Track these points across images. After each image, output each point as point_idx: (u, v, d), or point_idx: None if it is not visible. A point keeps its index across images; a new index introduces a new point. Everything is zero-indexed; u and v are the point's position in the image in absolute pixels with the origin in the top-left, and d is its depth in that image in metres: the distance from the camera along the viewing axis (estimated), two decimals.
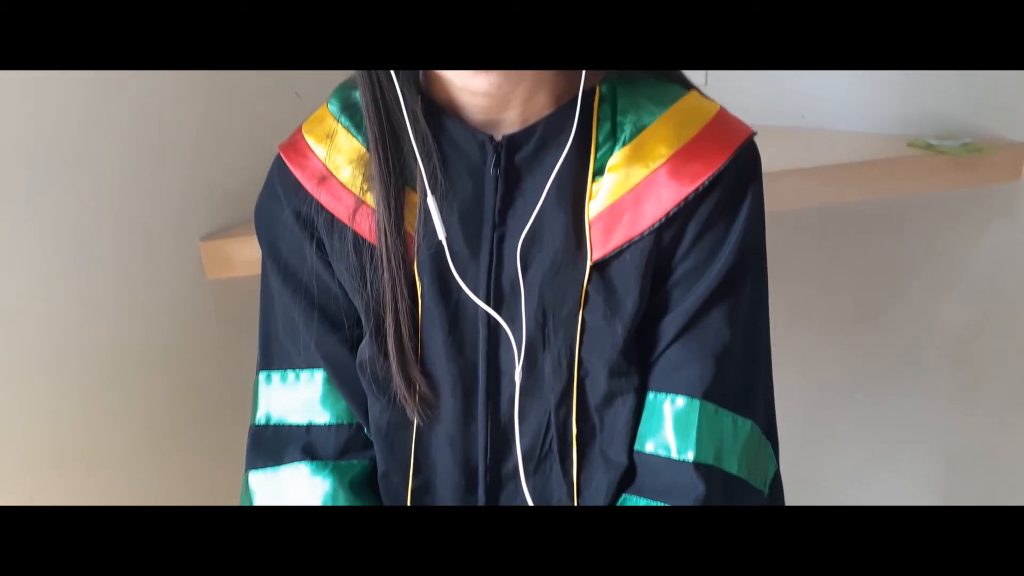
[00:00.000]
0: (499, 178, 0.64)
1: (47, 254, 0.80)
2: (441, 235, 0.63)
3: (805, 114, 1.16)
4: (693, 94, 0.66)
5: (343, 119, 0.67)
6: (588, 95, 0.63)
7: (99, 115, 0.83)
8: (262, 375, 0.71)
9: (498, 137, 0.64)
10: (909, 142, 1.05)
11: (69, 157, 0.81)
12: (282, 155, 0.68)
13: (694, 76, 1.14)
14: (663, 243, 0.63)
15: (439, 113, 0.64)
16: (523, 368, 0.64)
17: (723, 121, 0.65)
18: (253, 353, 0.73)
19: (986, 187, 1.06)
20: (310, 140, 0.68)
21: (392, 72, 0.61)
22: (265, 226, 0.69)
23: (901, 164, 1.02)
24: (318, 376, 0.70)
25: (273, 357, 0.71)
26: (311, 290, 0.68)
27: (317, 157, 0.67)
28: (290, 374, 0.70)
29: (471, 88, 0.58)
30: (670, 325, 0.64)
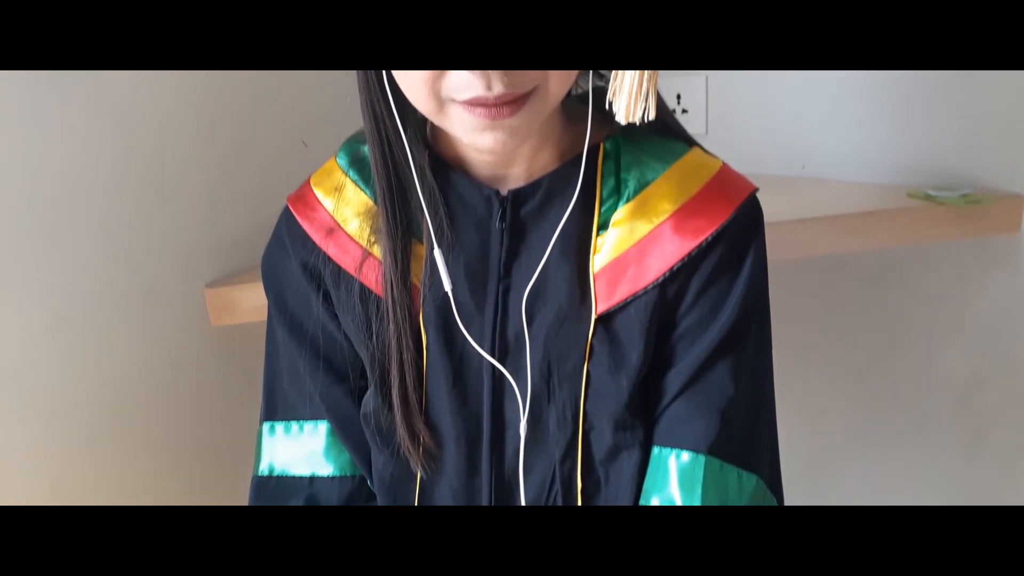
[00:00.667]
0: (505, 231, 0.65)
1: (52, 299, 0.81)
2: (447, 287, 0.63)
3: (805, 164, 1.17)
4: (696, 151, 0.67)
5: (351, 172, 0.68)
6: (592, 151, 0.64)
7: (107, 162, 0.84)
8: (266, 426, 0.71)
9: (504, 191, 0.65)
10: (909, 192, 1.06)
11: (76, 203, 0.82)
12: (290, 207, 0.69)
13: (694, 121, 1.16)
14: (667, 297, 0.64)
15: (446, 167, 0.65)
16: (528, 421, 0.64)
17: (726, 177, 0.66)
18: (257, 401, 0.73)
19: (986, 237, 1.07)
20: (318, 192, 0.68)
21: (400, 126, 0.62)
22: (272, 277, 0.70)
23: (902, 215, 1.02)
24: (322, 428, 0.69)
25: (277, 408, 0.71)
26: (316, 341, 0.68)
27: (325, 209, 0.68)
28: (294, 425, 0.70)
29: (478, 146, 0.59)
30: (675, 379, 0.65)
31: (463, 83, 0.54)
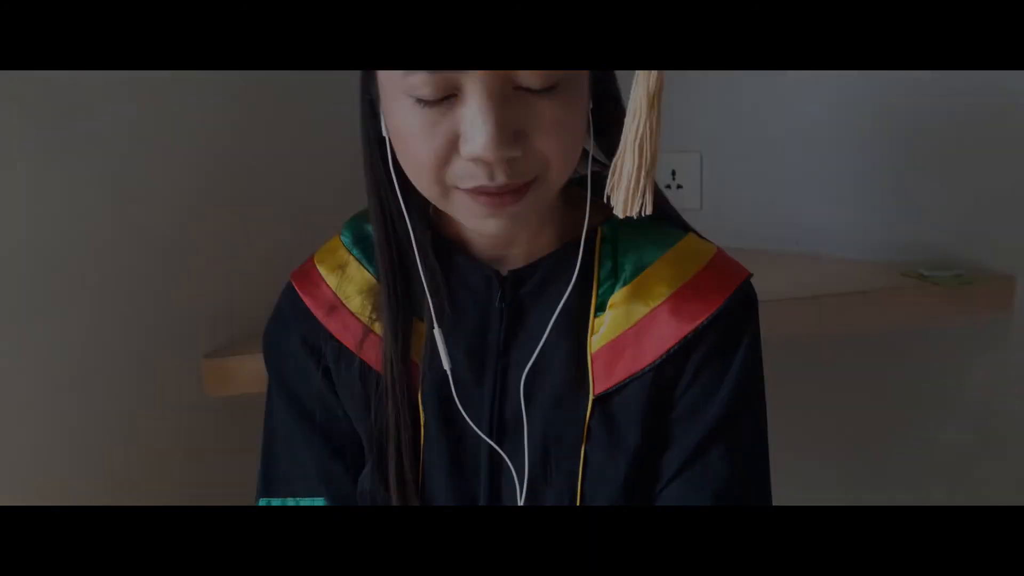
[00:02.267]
0: (504, 311, 0.66)
1: (49, 366, 0.81)
2: (446, 366, 0.64)
3: (799, 239, 1.19)
4: (691, 236, 0.69)
5: (355, 251, 0.69)
6: (591, 234, 0.66)
7: (107, 232, 0.85)
8: (262, 501, 0.71)
9: (504, 271, 0.66)
10: (902, 272, 1.07)
11: (75, 271, 0.82)
12: (294, 283, 0.70)
13: (689, 196, 1.17)
14: (664, 379, 0.65)
15: (448, 247, 0.67)
16: (525, 501, 0.64)
17: (720, 263, 0.67)
18: (253, 474, 0.72)
19: (978, 317, 1.08)
20: (322, 270, 0.69)
21: (404, 208, 0.63)
22: (273, 352, 0.70)
23: (895, 294, 1.04)
24: (318, 504, 0.69)
25: (273, 483, 0.70)
26: (315, 417, 0.68)
27: (328, 286, 0.69)
28: (290, 501, 0.70)
29: (481, 232, 0.60)
30: (671, 461, 0.65)
31: (467, 172, 0.55)
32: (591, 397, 0.64)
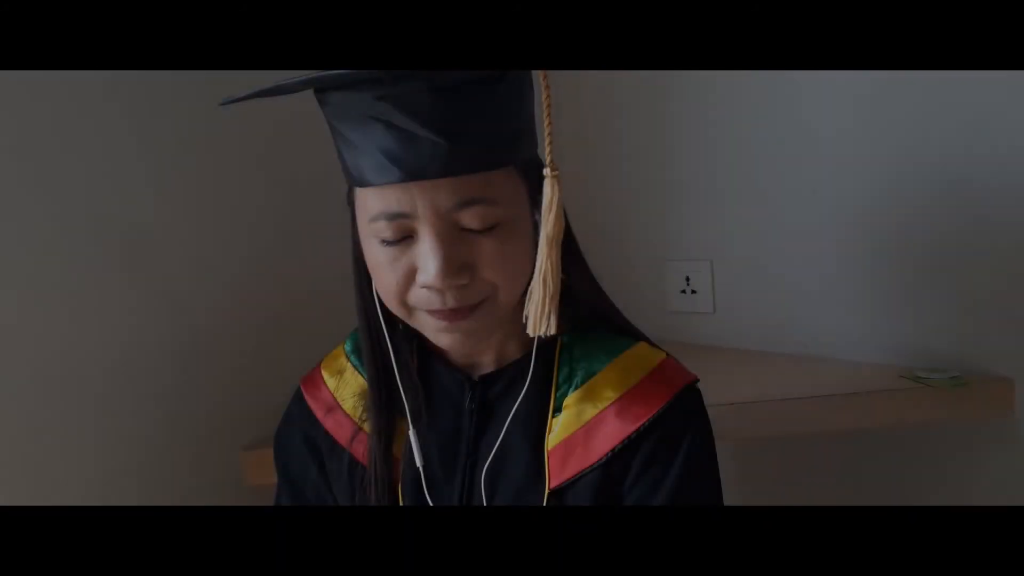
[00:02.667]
0: (474, 412, 0.75)
1: (102, 458, 0.93)
2: (419, 463, 0.73)
3: (807, 343, 1.24)
4: (642, 345, 0.77)
5: (352, 358, 0.80)
6: (552, 343, 0.75)
7: (156, 334, 0.99)
8: None
9: (475, 376, 0.76)
10: (900, 373, 1.11)
11: (130, 371, 0.96)
12: (301, 387, 0.82)
13: (702, 302, 1.25)
14: (612, 475, 0.72)
15: (428, 355, 0.77)
16: None
17: (665, 369, 0.75)
18: None
19: (978, 418, 1.10)
20: (324, 374, 0.81)
21: (385, 328, 0.74)
22: (280, 448, 0.82)
23: (892, 396, 1.07)
24: None
25: None
26: (309, 503, 0.78)
27: (328, 389, 0.80)
28: None
29: (440, 344, 0.71)
30: None
31: (424, 297, 0.67)
32: (547, 491, 0.72)
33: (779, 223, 1.25)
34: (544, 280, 0.64)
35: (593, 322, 0.78)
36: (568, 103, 1.52)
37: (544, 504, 0.72)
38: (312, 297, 1.15)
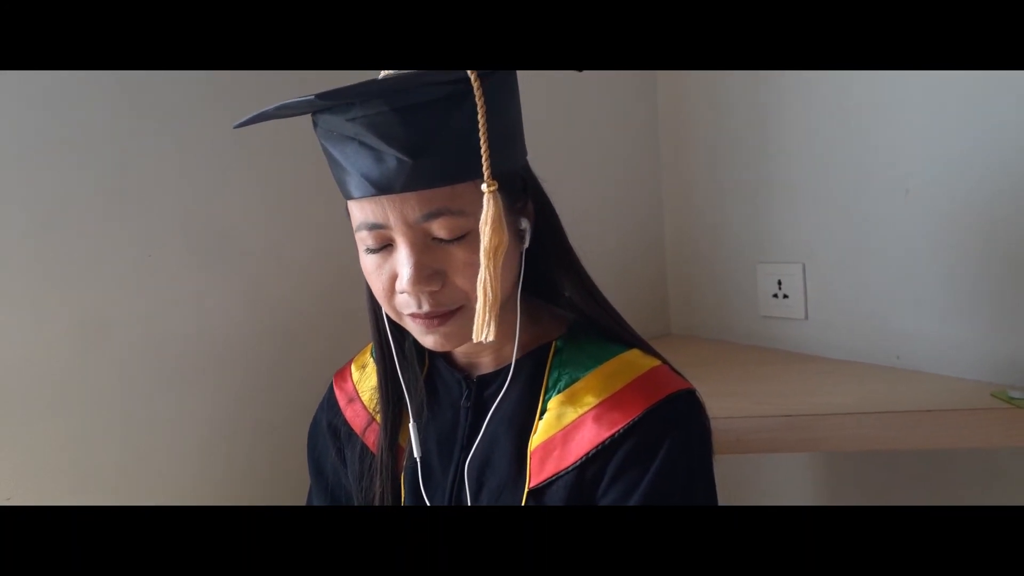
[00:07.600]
0: (469, 410, 0.80)
1: (182, 438, 1.05)
2: (417, 455, 0.79)
3: (900, 355, 1.15)
4: (633, 352, 0.78)
5: (375, 354, 0.87)
6: (545, 348, 0.78)
7: (239, 327, 1.08)
8: None
9: (474, 376, 0.80)
10: (992, 392, 1.01)
11: (214, 358, 1.05)
12: (333, 379, 0.90)
13: (794, 307, 1.21)
14: (587, 479, 0.73)
15: (433, 356, 0.83)
16: None
17: (653, 376, 0.75)
18: None
19: None
20: (352, 368, 0.89)
21: (390, 334, 0.80)
22: (312, 436, 0.91)
23: (983, 416, 0.98)
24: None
25: None
26: (329, 485, 0.87)
27: (352, 382, 0.87)
28: None
29: (423, 344, 0.75)
30: None
31: (404, 301, 0.72)
32: (526, 489, 0.75)
33: (872, 224, 1.17)
34: (484, 290, 0.67)
35: (588, 328, 0.80)
36: (670, 103, 1.51)
37: (523, 503, 0.75)
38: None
